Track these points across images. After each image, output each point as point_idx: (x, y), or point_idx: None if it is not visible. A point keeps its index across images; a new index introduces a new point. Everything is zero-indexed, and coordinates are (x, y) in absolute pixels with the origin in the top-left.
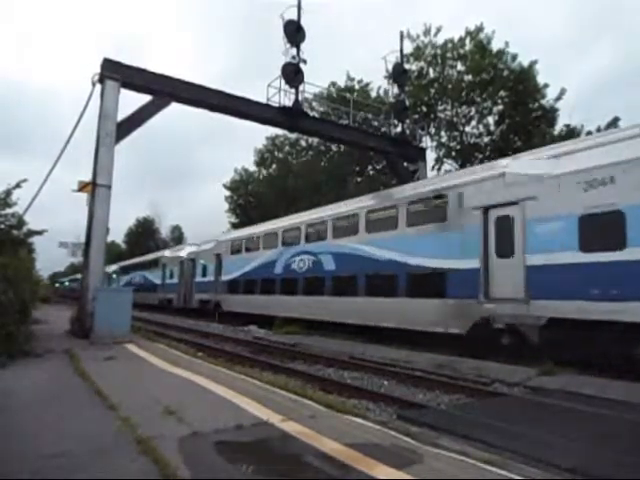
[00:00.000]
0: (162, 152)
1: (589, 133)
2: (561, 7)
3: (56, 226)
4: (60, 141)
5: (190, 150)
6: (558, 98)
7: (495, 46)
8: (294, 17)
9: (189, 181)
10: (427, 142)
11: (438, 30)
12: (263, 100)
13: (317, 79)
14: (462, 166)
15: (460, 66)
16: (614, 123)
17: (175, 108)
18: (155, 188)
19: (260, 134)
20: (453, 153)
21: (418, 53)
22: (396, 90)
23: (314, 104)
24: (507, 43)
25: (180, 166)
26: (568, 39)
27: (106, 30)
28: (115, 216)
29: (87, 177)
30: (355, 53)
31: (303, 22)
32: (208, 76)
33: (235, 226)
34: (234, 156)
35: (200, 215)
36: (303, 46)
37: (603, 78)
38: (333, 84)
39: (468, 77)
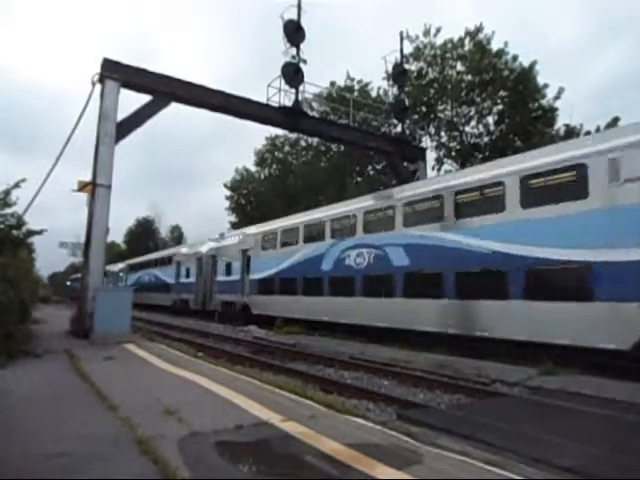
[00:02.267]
0: (162, 153)
1: (588, 133)
2: (575, 8)
3: (56, 226)
4: (76, 140)
5: (191, 151)
6: (557, 97)
7: (496, 46)
8: (294, 17)
9: (189, 182)
10: (427, 142)
11: (438, 31)
12: (263, 100)
13: (318, 79)
14: (462, 166)
15: (460, 66)
16: (614, 123)
17: (177, 109)
18: (155, 189)
19: (262, 134)
20: (453, 153)
21: (418, 53)
22: (396, 90)
23: (314, 104)
24: (506, 43)
25: (180, 167)
26: (583, 39)
27: (112, 33)
28: (115, 216)
29: (89, 177)
30: (355, 53)
31: (303, 22)
32: (215, 78)
33: (235, 226)
34: (235, 156)
35: (200, 216)
36: (303, 46)
37: (616, 78)
38: (332, 84)
39: (468, 77)
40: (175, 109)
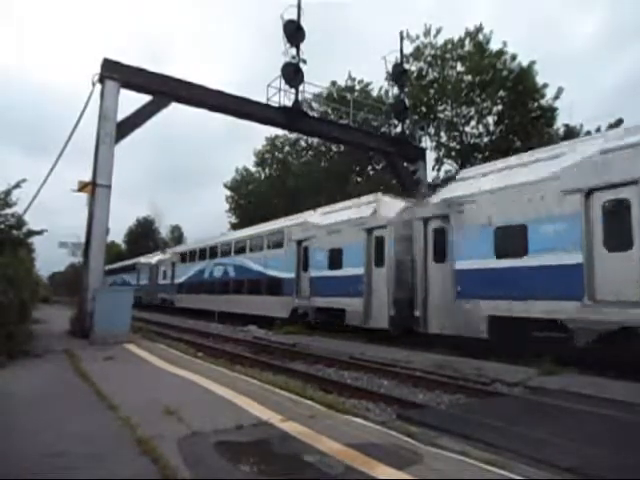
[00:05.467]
0: (164, 153)
1: (588, 133)
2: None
3: (56, 226)
4: (81, 140)
5: (193, 151)
6: (556, 97)
7: (507, 47)
8: (294, 17)
9: (190, 182)
10: (427, 142)
11: (438, 31)
12: (263, 100)
13: (318, 79)
14: (462, 166)
15: (460, 66)
16: (617, 124)
17: (179, 110)
18: (156, 189)
19: (264, 134)
20: (453, 153)
21: (418, 53)
22: (396, 90)
23: (314, 104)
24: (505, 43)
25: (181, 167)
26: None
27: (124, 34)
28: (115, 216)
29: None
30: (356, 53)
31: (303, 22)
32: (227, 81)
33: (235, 226)
34: (237, 157)
35: (201, 216)
36: (303, 46)
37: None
38: (333, 83)
39: (467, 77)
40: (178, 110)
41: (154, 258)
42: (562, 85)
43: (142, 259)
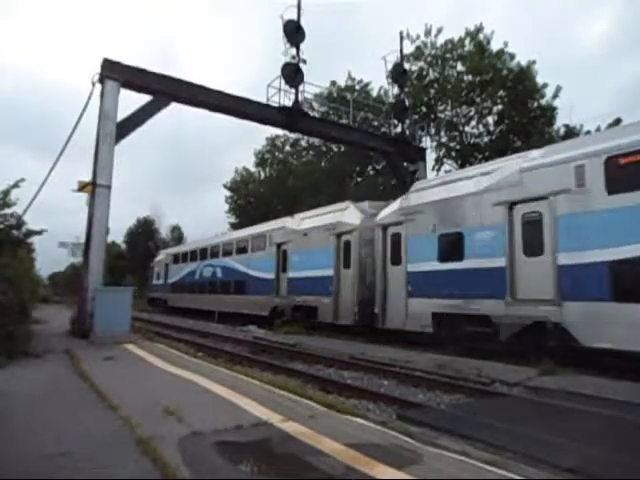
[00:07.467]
0: (164, 153)
1: (588, 132)
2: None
3: (56, 226)
4: (83, 140)
5: (192, 151)
6: (555, 96)
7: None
8: (293, 17)
9: (190, 182)
10: (427, 142)
11: (439, 31)
12: (263, 100)
13: (319, 79)
14: (462, 166)
15: (460, 66)
16: (616, 124)
17: (180, 109)
18: (155, 189)
19: (266, 135)
20: (453, 153)
21: (418, 53)
22: (396, 90)
23: (314, 104)
24: (506, 43)
25: (181, 167)
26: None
27: (134, 35)
28: (115, 216)
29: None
30: (356, 53)
31: (303, 22)
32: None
33: (235, 226)
34: (240, 157)
35: (201, 217)
36: (303, 46)
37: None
38: (333, 83)
39: (468, 77)
40: (179, 110)
41: (346, 212)
42: (571, 86)
43: (289, 220)
